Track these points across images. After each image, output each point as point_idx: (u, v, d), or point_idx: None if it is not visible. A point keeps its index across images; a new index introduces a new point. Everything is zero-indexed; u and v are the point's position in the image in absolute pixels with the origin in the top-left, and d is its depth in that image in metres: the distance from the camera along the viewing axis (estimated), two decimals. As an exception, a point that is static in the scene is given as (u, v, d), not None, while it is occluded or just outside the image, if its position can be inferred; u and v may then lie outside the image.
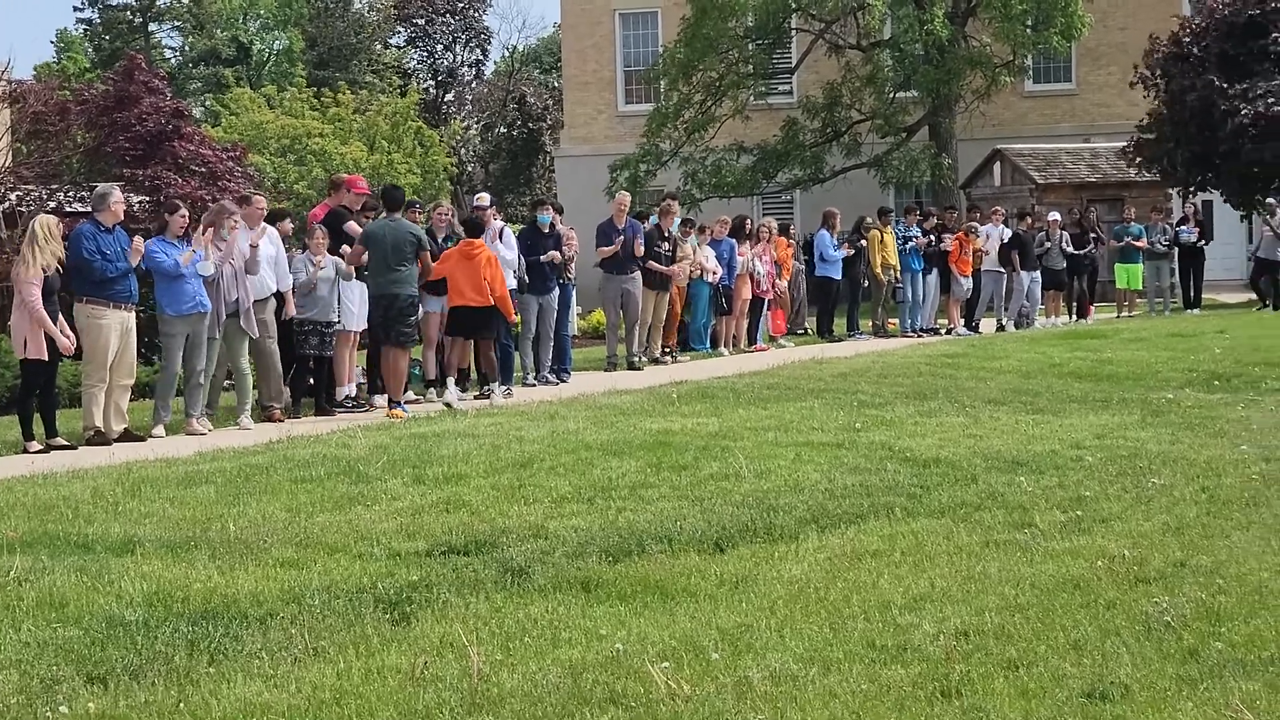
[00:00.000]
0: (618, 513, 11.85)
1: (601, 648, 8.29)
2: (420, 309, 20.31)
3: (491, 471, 13.66)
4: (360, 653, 8.32)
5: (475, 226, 20.65)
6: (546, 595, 9.45)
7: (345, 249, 19.95)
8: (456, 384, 20.29)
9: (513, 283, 21.43)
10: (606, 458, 14.28)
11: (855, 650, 8.14)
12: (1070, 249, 33.97)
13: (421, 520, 11.65)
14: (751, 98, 48.86)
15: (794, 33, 49.98)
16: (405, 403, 19.52)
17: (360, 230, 20.00)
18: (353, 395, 20.25)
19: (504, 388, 20.80)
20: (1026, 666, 7.79)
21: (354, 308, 20.00)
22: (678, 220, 26.92)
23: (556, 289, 23.20)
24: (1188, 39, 40.14)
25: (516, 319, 22.29)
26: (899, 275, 31.15)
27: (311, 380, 19.86)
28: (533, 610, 9.08)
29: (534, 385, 22.28)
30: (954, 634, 8.32)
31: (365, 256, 19.56)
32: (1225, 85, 38.64)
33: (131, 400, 18.22)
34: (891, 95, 48.04)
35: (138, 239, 17.66)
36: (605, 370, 24.60)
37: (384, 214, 19.75)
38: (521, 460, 14.20)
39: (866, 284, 31.86)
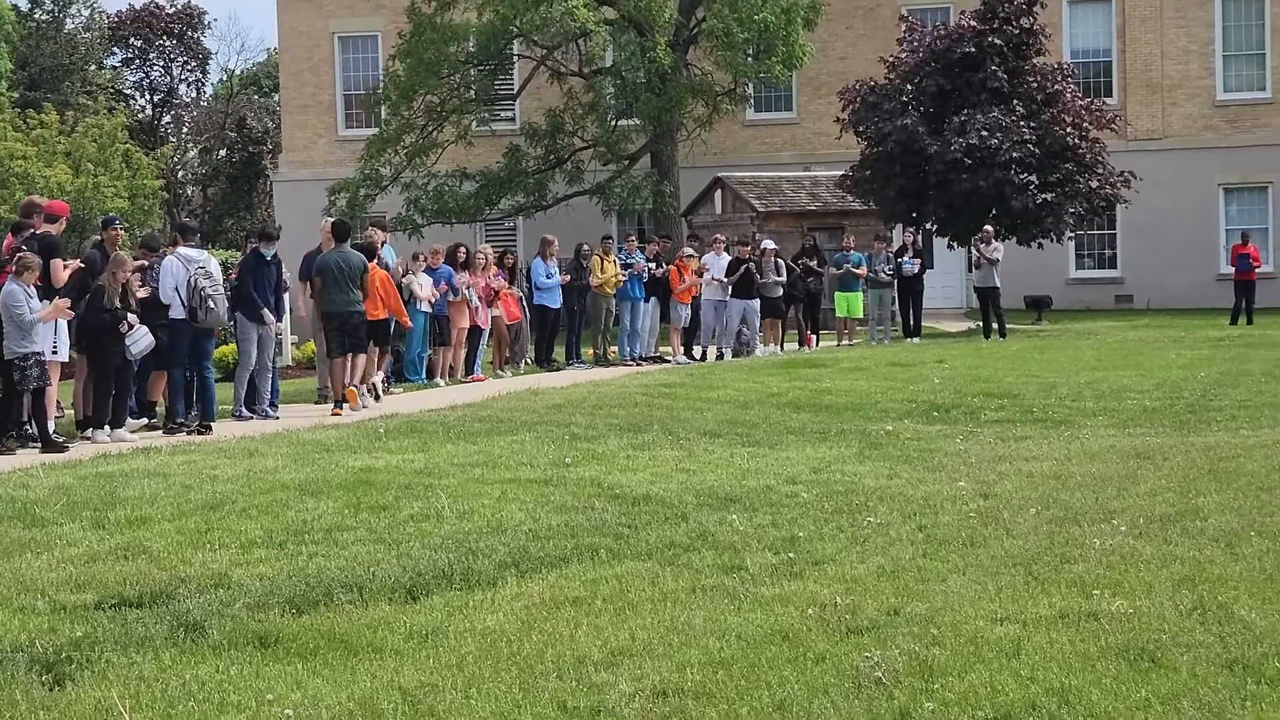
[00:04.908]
0: (309, 559, 11.18)
1: (271, 713, 7.69)
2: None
3: (178, 514, 12.88)
4: (5, 723, 7.61)
5: (368, 250, 23.57)
6: (220, 653, 8.83)
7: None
8: (146, 416, 20.82)
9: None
10: (303, 498, 13.55)
11: (545, 713, 7.62)
12: (779, 277, 33.68)
13: (94, 569, 10.86)
14: (474, 123, 48.44)
15: (516, 59, 49.70)
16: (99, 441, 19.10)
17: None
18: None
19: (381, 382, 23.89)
20: (727, 731, 7.28)
21: (63, 338, 19.05)
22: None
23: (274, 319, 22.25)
24: (896, 79, 40.54)
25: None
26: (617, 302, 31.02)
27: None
28: (202, 671, 8.45)
29: (250, 418, 21.40)
30: (652, 693, 7.81)
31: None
32: (925, 127, 38.98)
33: None
34: (614, 123, 48.10)
35: None
36: (317, 402, 23.75)
37: (334, 245, 22.63)
38: (212, 502, 13.43)
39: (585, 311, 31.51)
